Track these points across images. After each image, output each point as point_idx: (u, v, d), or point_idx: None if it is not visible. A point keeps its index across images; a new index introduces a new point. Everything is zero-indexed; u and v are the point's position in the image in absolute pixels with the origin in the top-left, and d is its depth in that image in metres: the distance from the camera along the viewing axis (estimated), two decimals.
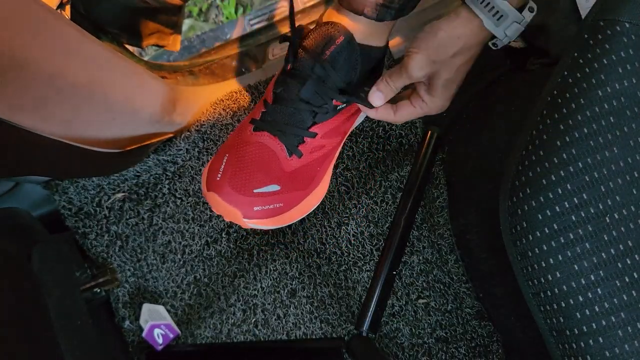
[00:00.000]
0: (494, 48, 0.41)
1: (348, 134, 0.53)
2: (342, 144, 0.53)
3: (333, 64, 0.44)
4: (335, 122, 0.48)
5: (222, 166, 0.47)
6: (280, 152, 0.47)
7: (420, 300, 0.63)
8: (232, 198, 0.45)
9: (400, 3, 0.39)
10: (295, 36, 0.45)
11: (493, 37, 0.39)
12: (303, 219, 0.64)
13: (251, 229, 0.56)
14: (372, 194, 0.63)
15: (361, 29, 0.43)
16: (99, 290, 0.64)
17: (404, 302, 0.63)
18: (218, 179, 0.46)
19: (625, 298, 0.32)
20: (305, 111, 0.46)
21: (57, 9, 0.43)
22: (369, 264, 0.63)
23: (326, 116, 0.47)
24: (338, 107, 0.47)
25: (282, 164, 0.47)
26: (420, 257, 0.62)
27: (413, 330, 0.62)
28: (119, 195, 0.64)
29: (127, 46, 0.62)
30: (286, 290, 0.64)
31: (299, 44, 0.45)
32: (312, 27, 0.46)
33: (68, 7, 0.46)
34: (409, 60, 0.41)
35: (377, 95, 0.45)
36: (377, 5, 0.39)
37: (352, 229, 0.63)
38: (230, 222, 0.64)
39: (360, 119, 0.54)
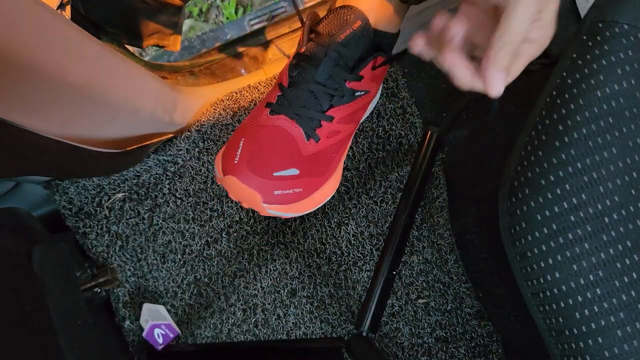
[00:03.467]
0: None
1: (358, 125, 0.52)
2: (354, 134, 0.52)
3: (347, 47, 0.43)
4: (351, 108, 0.48)
5: (239, 150, 0.45)
6: (298, 135, 0.46)
7: (420, 300, 0.63)
8: (252, 181, 0.44)
9: None
10: (309, 19, 0.45)
11: None
12: (303, 218, 0.64)
13: (268, 216, 0.54)
14: (372, 194, 0.63)
15: (378, 13, 0.42)
16: (99, 290, 0.65)
17: (403, 302, 0.63)
18: (236, 162, 0.45)
19: (624, 298, 0.32)
20: (321, 94, 0.45)
21: (57, 9, 0.44)
22: (369, 264, 0.63)
23: (343, 100, 0.46)
24: (356, 94, 0.47)
25: (300, 148, 0.46)
26: (420, 257, 0.63)
27: (413, 330, 0.62)
28: (119, 195, 0.64)
29: (127, 46, 0.62)
30: (286, 290, 0.65)
31: (314, 27, 0.44)
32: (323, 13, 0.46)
33: (68, 7, 0.46)
34: None
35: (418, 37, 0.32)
36: None
37: (352, 229, 0.63)
38: (240, 213, 0.65)
39: (371, 107, 0.53)
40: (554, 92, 0.35)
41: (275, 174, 0.45)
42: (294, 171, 0.46)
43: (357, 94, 0.47)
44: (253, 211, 0.65)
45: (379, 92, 0.59)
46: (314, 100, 0.45)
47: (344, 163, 0.64)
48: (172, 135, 0.62)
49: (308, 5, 0.73)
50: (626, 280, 0.32)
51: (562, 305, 0.33)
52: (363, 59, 0.44)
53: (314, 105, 0.45)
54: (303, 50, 0.45)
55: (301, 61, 0.45)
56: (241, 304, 0.65)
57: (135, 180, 0.64)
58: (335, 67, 0.44)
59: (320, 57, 0.44)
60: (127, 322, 0.66)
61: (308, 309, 0.64)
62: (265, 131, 0.46)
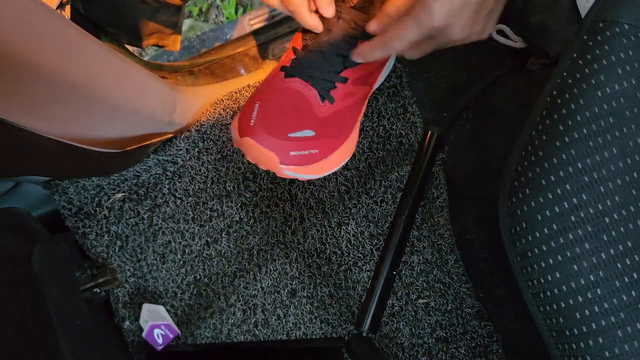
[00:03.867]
0: None
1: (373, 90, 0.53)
2: (368, 97, 0.53)
3: (360, 9, 0.44)
4: (365, 69, 0.48)
5: (255, 112, 0.46)
6: (312, 97, 0.47)
7: (420, 300, 0.63)
8: (268, 141, 0.45)
9: None
10: None
11: None
12: (303, 218, 0.64)
13: (287, 177, 0.55)
14: (372, 194, 0.63)
15: None
16: (99, 290, 0.64)
17: (404, 302, 0.63)
18: (252, 124, 0.45)
19: (625, 298, 0.32)
20: (334, 56, 0.46)
21: (57, 9, 0.43)
22: (369, 264, 0.63)
23: (356, 62, 0.47)
24: None
25: (315, 110, 0.47)
26: (420, 257, 0.62)
27: (413, 330, 0.62)
28: (119, 195, 0.64)
29: (127, 46, 0.62)
30: (286, 290, 0.65)
31: None
32: None
33: (68, 7, 0.46)
34: None
35: (372, 23, 0.42)
36: None
37: (352, 229, 0.63)
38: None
39: (385, 71, 0.54)
40: (555, 92, 0.35)
41: (290, 134, 0.46)
42: (310, 132, 0.47)
43: None
44: (253, 211, 0.65)
45: (393, 57, 0.59)
46: (328, 62, 0.46)
47: (344, 164, 0.64)
48: (172, 135, 0.62)
49: None
50: (627, 280, 0.32)
51: (563, 305, 0.33)
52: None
53: (327, 67, 0.46)
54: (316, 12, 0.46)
55: None
56: (241, 304, 0.65)
57: (135, 180, 0.64)
58: (348, 28, 0.45)
59: (332, 19, 0.45)
60: (127, 323, 0.66)
61: (308, 309, 0.64)
62: (279, 94, 0.47)
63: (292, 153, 0.46)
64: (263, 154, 0.45)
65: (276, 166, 0.46)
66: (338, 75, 0.47)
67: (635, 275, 0.32)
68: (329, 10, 0.44)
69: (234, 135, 0.47)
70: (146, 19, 0.58)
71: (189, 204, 0.65)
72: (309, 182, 0.64)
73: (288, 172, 0.47)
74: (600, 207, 0.32)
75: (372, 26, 0.44)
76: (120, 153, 0.55)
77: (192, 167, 0.64)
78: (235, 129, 0.47)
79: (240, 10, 1.10)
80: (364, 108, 0.53)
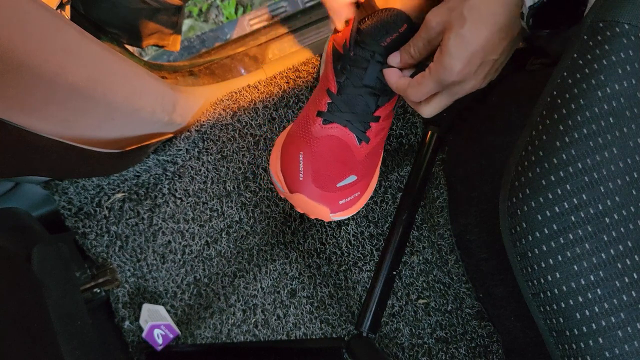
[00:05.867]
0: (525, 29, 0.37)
1: None
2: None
3: (393, 49, 0.44)
4: (392, 102, 0.49)
5: (301, 165, 0.47)
6: (351, 141, 0.47)
7: (420, 301, 0.63)
8: (319, 197, 0.47)
9: None
10: (355, 20, 0.45)
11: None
12: (303, 218, 0.64)
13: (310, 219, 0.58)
14: (372, 194, 0.63)
15: (421, 12, 0.43)
16: (98, 291, 0.64)
17: (404, 302, 0.63)
18: (301, 179, 0.47)
19: (625, 298, 0.32)
20: (369, 96, 0.46)
21: (57, 9, 0.43)
22: (369, 264, 0.63)
23: (387, 98, 0.47)
24: None
25: (354, 153, 0.48)
26: (420, 257, 0.62)
27: (413, 330, 0.62)
28: (119, 195, 0.64)
29: (127, 46, 0.62)
30: (286, 291, 0.64)
31: (358, 29, 0.45)
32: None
33: (68, 7, 0.46)
34: (428, 13, 0.38)
35: (393, 56, 0.43)
36: None
37: (352, 229, 0.63)
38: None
39: None
40: (555, 92, 0.35)
41: (338, 184, 0.48)
42: (353, 177, 0.49)
43: None
44: (253, 211, 0.65)
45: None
46: (363, 103, 0.46)
47: None
48: (172, 135, 0.62)
49: (308, 4, 0.73)
50: (627, 280, 0.32)
51: (563, 305, 0.33)
52: None
53: (363, 109, 0.47)
54: (351, 54, 0.46)
55: (347, 64, 0.46)
56: (241, 305, 0.65)
57: (135, 181, 0.64)
58: (381, 69, 0.45)
59: (367, 60, 0.44)
60: (127, 323, 0.66)
61: (308, 309, 0.64)
62: (321, 142, 0.47)
63: (341, 202, 0.48)
64: (314, 207, 0.47)
65: (326, 216, 0.48)
66: (373, 116, 0.47)
67: (635, 276, 0.32)
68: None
69: (282, 188, 0.49)
70: (146, 19, 0.58)
71: (189, 204, 0.65)
72: None
73: (336, 217, 0.49)
74: (601, 207, 0.32)
75: (394, 59, 0.44)
76: (120, 153, 0.55)
77: (192, 167, 0.64)
78: (281, 182, 0.48)
79: (240, 10, 1.10)
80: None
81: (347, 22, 0.47)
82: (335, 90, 0.47)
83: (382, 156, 0.55)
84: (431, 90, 0.39)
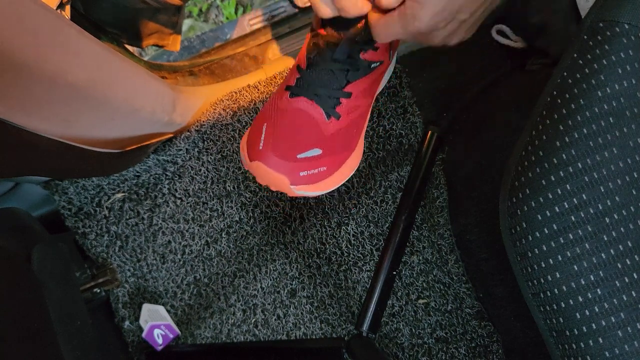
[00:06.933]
0: None
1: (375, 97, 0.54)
2: (371, 107, 0.54)
3: (366, 31, 0.43)
4: (367, 80, 0.49)
5: (263, 135, 0.47)
6: (318, 115, 0.47)
7: (420, 301, 0.63)
8: (277, 165, 0.46)
9: None
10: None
11: None
12: (303, 218, 0.64)
13: (298, 196, 0.56)
14: (372, 194, 0.63)
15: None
16: (99, 291, 0.64)
17: (404, 302, 0.63)
18: (260, 148, 0.46)
19: (625, 298, 0.32)
20: (339, 71, 0.46)
21: (57, 9, 0.43)
22: (369, 264, 0.63)
23: (358, 74, 0.47)
24: (372, 65, 0.47)
25: (322, 128, 0.48)
26: (420, 257, 0.62)
27: (413, 330, 0.62)
28: (119, 195, 0.64)
29: (126, 46, 0.62)
30: (286, 291, 0.64)
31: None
32: None
33: (68, 7, 0.46)
34: None
35: None
36: None
37: (352, 229, 0.63)
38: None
39: (385, 78, 0.55)
40: (555, 92, 0.35)
41: (299, 155, 0.47)
42: (317, 151, 0.48)
43: (372, 65, 0.47)
44: (253, 211, 0.65)
45: (393, 62, 0.60)
46: (332, 78, 0.46)
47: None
48: (172, 135, 0.62)
49: (308, 4, 0.73)
50: (627, 280, 0.32)
51: (563, 305, 0.33)
52: None
53: (331, 84, 0.46)
54: (324, 31, 0.45)
55: (319, 41, 0.46)
56: (241, 305, 0.65)
57: (135, 181, 0.64)
58: (352, 43, 0.45)
59: (339, 36, 0.45)
60: (127, 323, 0.66)
61: (308, 309, 0.64)
62: (286, 114, 0.47)
63: (301, 174, 0.47)
64: (274, 177, 0.46)
65: (287, 187, 0.47)
66: (342, 91, 0.47)
67: (635, 275, 0.32)
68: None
69: (244, 158, 0.48)
70: (146, 19, 0.58)
71: (189, 204, 0.65)
72: None
73: (298, 191, 0.48)
74: (601, 207, 0.32)
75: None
76: (120, 153, 0.55)
77: (192, 167, 0.64)
78: (244, 153, 0.48)
79: (240, 10, 1.10)
80: (368, 118, 0.54)
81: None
82: (305, 66, 0.47)
83: (361, 141, 0.54)
84: (397, 35, 0.39)
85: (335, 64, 0.46)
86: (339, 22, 0.44)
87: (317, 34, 0.47)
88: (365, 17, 0.43)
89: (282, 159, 0.46)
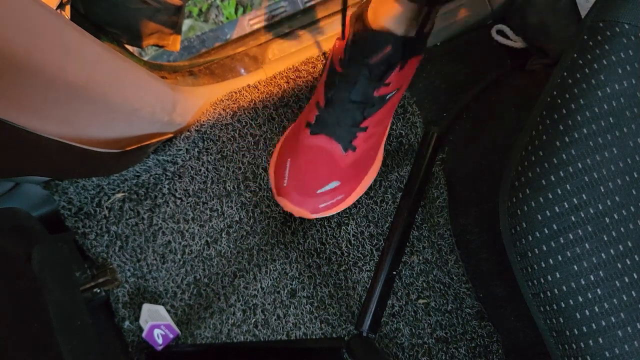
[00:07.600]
0: None
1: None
2: (387, 131, 0.59)
3: (379, 66, 0.47)
4: (383, 111, 0.52)
5: (287, 172, 0.54)
6: (336, 150, 0.52)
7: (420, 301, 0.63)
8: (300, 202, 0.53)
9: None
10: (349, 37, 0.48)
11: None
12: (303, 218, 0.64)
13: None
14: (372, 194, 0.63)
15: (406, 26, 0.44)
16: (98, 291, 0.64)
17: (404, 302, 0.63)
18: (285, 185, 0.54)
19: (625, 298, 0.32)
20: (355, 110, 0.49)
21: (57, 9, 0.43)
22: (369, 264, 0.63)
23: (374, 109, 0.50)
24: (387, 97, 0.50)
25: (339, 161, 0.52)
26: (420, 257, 0.62)
27: (413, 330, 0.62)
28: (119, 195, 0.64)
29: (126, 46, 0.62)
30: (286, 291, 0.64)
31: (349, 46, 0.47)
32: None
33: (68, 7, 0.46)
34: None
35: None
36: None
37: (352, 229, 0.63)
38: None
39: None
40: (555, 92, 0.35)
41: (318, 191, 0.53)
42: (335, 183, 0.53)
43: (387, 97, 0.50)
44: (253, 211, 0.65)
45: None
46: (349, 115, 0.50)
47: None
48: (172, 135, 0.62)
49: (308, 5, 0.73)
50: (627, 280, 0.32)
51: (563, 305, 0.33)
52: (392, 66, 0.47)
53: (349, 121, 0.50)
54: (340, 70, 0.49)
55: (336, 80, 0.49)
56: (241, 305, 0.65)
57: (135, 181, 0.64)
58: (366, 83, 0.47)
59: (355, 77, 0.48)
60: (127, 323, 0.66)
61: (308, 309, 0.64)
62: (307, 151, 0.53)
63: (321, 205, 0.54)
64: (297, 210, 0.53)
65: (308, 216, 0.54)
66: (359, 127, 0.50)
67: (635, 275, 0.32)
68: None
69: (272, 188, 0.56)
70: (146, 19, 0.58)
71: (189, 204, 0.65)
72: None
73: (319, 216, 0.55)
74: (601, 207, 0.32)
75: None
76: (120, 153, 0.55)
77: (192, 167, 0.64)
78: (272, 185, 0.56)
79: (240, 10, 1.10)
80: (386, 135, 0.57)
81: (342, 37, 0.50)
82: (323, 104, 0.50)
83: (380, 154, 0.57)
84: None
85: (352, 103, 0.49)
86: None
87: (334, 70, 0.50)
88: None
89: (304, 196, 0.52)
